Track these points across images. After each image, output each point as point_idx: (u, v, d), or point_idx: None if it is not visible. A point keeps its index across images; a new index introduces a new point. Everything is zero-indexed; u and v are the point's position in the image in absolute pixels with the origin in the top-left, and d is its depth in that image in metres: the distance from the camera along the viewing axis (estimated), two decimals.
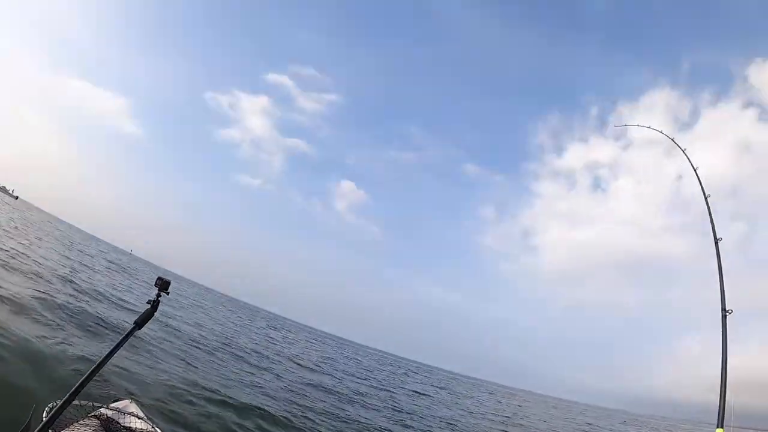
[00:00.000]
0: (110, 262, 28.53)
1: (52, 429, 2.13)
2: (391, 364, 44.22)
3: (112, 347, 2.00)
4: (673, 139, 5.38)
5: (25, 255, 12.68)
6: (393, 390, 16.85)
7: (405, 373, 34.09)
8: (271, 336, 25.70)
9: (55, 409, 1.61)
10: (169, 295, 2.32)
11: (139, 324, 2.11)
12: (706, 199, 3.54)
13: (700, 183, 3.79)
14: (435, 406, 15.95)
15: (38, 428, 1.49)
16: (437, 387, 28.57)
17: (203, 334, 13.42)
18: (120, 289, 15.40)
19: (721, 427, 1.99)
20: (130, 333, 2.10)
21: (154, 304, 2.13)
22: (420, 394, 18.94)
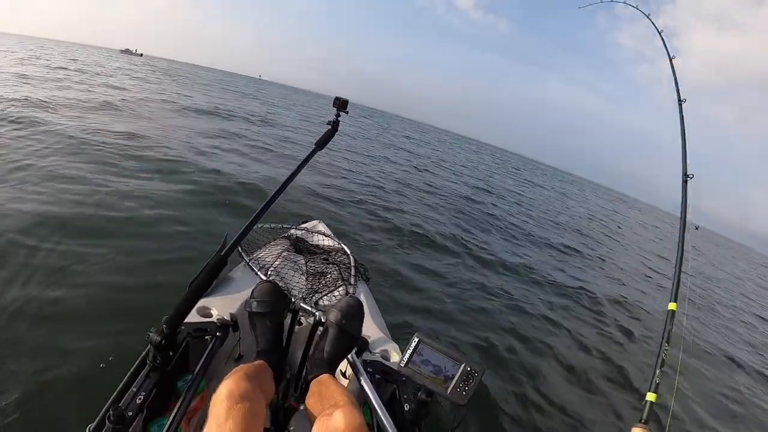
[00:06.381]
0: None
1: (245, 251, 2.12)
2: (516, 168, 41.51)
3: (294, 169, 1.84)
4: None
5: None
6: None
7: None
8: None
9: (242, 229, 1.61)
10: (348, 114, 2.08)
11: (320, 145, 1.99)
12: None
13: None
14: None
15: (228, 246, 1.53)
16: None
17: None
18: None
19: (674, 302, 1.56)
20: (312, 154, 1.95)
21: (335, 125, 2.03)
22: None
